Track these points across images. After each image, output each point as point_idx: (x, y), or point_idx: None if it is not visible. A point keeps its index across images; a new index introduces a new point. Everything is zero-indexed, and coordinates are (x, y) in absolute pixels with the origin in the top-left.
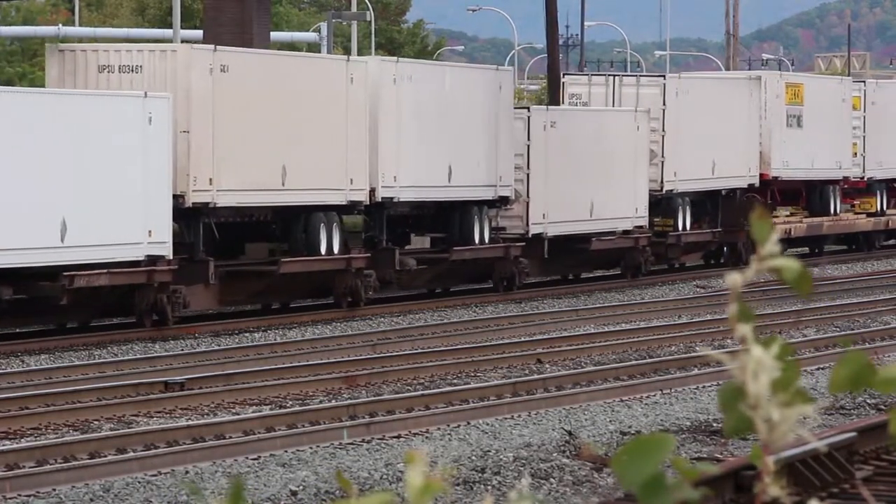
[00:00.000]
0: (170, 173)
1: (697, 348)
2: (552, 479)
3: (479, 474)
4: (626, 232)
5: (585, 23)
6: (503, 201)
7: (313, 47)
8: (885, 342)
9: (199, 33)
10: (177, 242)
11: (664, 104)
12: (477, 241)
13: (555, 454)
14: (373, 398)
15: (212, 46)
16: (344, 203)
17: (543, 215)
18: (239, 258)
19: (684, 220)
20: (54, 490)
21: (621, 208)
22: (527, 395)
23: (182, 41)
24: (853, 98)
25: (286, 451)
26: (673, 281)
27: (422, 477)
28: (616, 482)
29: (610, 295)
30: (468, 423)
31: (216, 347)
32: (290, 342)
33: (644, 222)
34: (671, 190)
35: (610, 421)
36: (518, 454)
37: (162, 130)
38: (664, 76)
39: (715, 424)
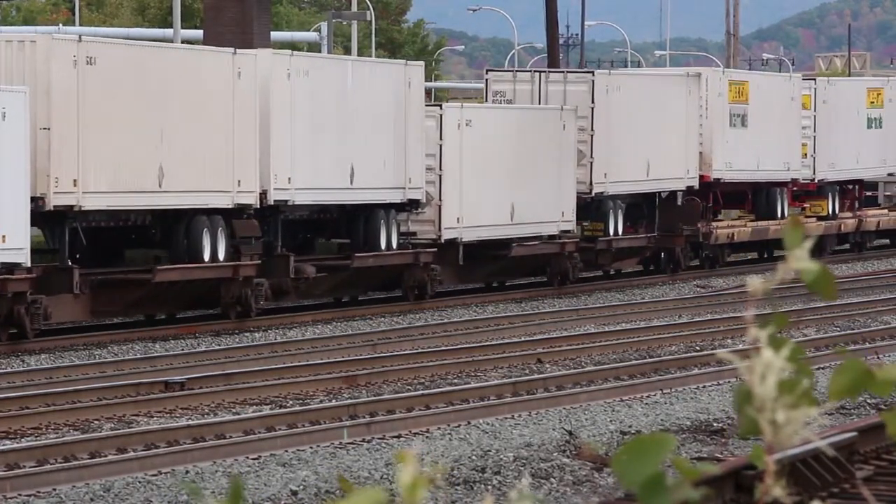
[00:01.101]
0: (27, 174)
1: (698, 348)
2: (552, 479)
3: (480, 474)
4: (551, 237)
5: (585, 22)
6: (413, 204)
7: (314, 47)
8: (885, 342)
9: (199, 33)
10: (44, 250)
11: (593, 102)
12: (384, 246)
13: (555, 454)
14: (373, 398)
15: (76, 36)
16: (230, 206)
17: (458, 219)
18: (118, 266)
19: (616, 224)
20: (54, 490)
21: (545, 212)
22: (527, 394)
23: (182, 41)
24: (803, 97)
25: (286, 451)
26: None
27: (412, 474)
28: (616, 482)
29: (610, 295)
30: (468, 423)
31: (216, 347)
32: (290, 342)
33: (571, 227)
34: (601, 192)
35: (610, 421)
36: (518, 454)
37: (17, 127)
38: (593, 72)
39: (715, 424)
